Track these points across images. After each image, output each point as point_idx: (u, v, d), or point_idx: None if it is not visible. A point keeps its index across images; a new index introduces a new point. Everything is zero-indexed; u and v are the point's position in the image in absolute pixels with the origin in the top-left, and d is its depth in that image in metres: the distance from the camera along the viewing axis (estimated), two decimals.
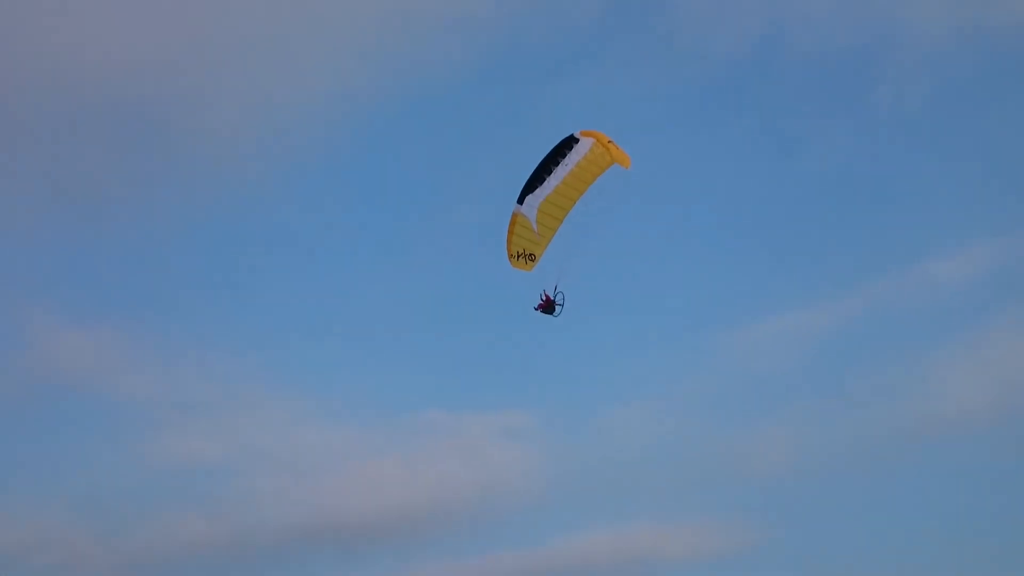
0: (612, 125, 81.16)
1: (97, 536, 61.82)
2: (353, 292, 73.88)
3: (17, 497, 62.75)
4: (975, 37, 78.03)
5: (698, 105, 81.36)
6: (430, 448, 67.98)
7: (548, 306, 39.24)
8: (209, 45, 74.79)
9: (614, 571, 62.80)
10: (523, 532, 64.08)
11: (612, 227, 79.11)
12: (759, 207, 78.31)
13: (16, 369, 67.00)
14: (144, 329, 70.28)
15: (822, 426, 67.04)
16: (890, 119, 78.61)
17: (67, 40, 71.68)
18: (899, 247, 73.79)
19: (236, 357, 69.97)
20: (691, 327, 72.26)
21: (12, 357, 67.43)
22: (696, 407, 69.55)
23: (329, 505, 64.72)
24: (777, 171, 78.97)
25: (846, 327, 70.73)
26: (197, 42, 74.16)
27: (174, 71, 74.02)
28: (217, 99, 76.35)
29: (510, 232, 38.84)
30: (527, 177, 38.35)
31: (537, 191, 38.42)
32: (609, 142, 37.53)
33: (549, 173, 38.28)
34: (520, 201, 38.64)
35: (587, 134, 37.68)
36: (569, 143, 37.93)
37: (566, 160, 37.99)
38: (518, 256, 38.93)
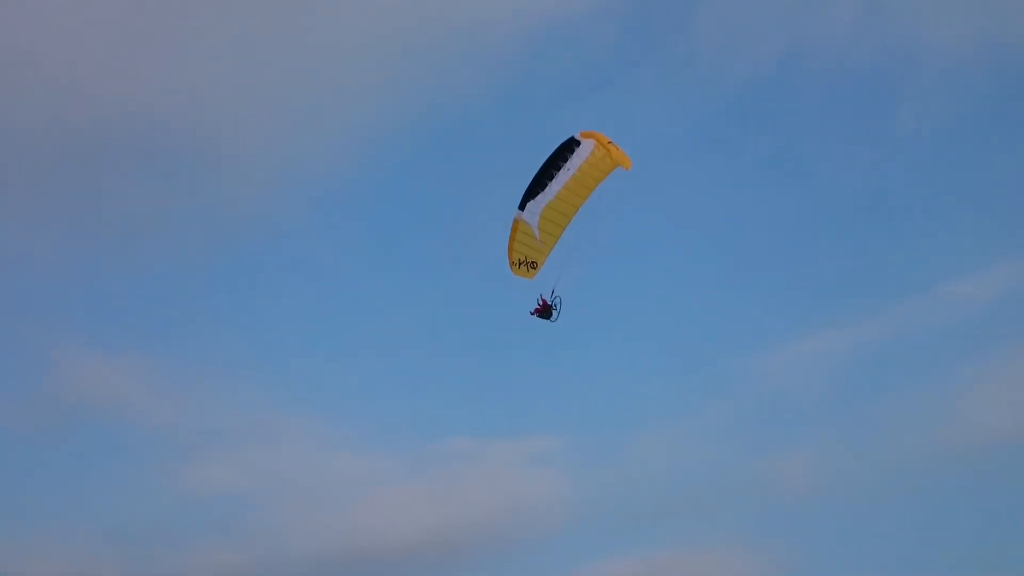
0: (633, 148, 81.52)
1: (124, 564, 62.03)
2: (377, 320, 74.17)
3: (44, 525, 63.07)
4: (997, 55, 77.61)
5: (718, 127, 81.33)
6: (457, 475, 67.87)
7: (545, 310, 38.62)
8: (234, 83, 75.92)
9: None
10: (550, 558, 63.66)
11: (634, 251, 79.72)
12: (780, 229, 77.92)
13: (44, 397, 67.65)
14: (171, 358, 70.80)
15: (846, 450, 66.26)
16: (911, 139, 78.19)
17: (98, 79, 73.11)
18: (921, 268, 73.11)
19: (262, 385, 70.30)
20: (714, 351, 71.83)
21: (41, 385, 68.13)
22: (721, 432, 68.98)
23: (356, 533, 64.67)
24: (798, 192, 78.72)
25: (869, 350, 70.04)
26: (222, 80, 75.34)
27: (201, 108, 75.12)
28: (241, 133, 77.35)
29: (511, 239, 38.16)
30: (528, 182, 37.59)
31: (539, 197, 37.71)
32: (609, 142, 36.84)
33: (551, 178, 37.53)
34: (521, 207, 37.95)
35: (587, 135, 37.06)
36: (570, 146, 37.23)
37: (568, 164, 37.24)
38: (520, 264, 38.35)
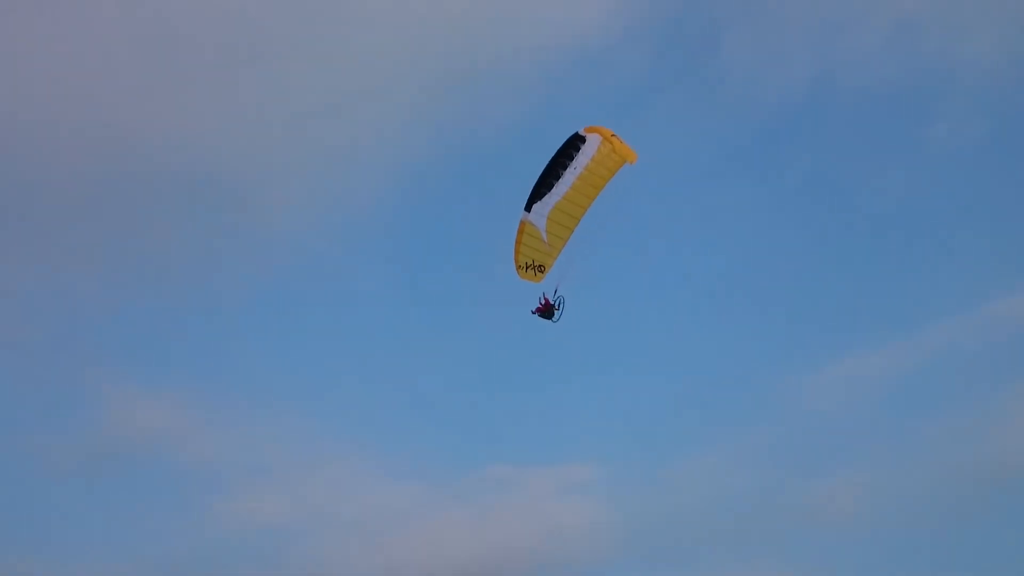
0: (666, 172, 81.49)
1: None
2: (415, 350, 74.27)
3: (90, 561, 63.58)
4: None
5: (751, 149, 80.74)
6: (496, 504, 67.44)
7: (547, 310, 37.83)
8: (268, 119, 76.93)
9: None
10: None
11: (670, 274, 79.36)
12: (816, 250, 77.03)
13: (89, 435, 68.40)
14: (213, 393, 71.29)
15: (890, 473, 64.76)
16: (947, 156, 77.21)
17: (136, 120, 74.50)
18: (963, 287, 71.67)
19: (303, 418, 70.52)
20: (753, 375, 70.94)
21: (85, 423, 68.91)
22: (762, 456, 67.94)
23: (397, 563, 64.39)
24: (833, 212, 77.84)
25: (911, 371, 68.59)
26: (256, 116, 76.44)
27: (236, 144, 76.23)
28: (276, 168, 78.25)
29: (517, 242, 37.31)
30: (534, 182, 36.76)
31: (546, 198, 36.76)
32: (612, 136, 35.86)
33: (557, 178, 36.58)
34: (527, 208, 37.04)
35: (592, 130, 36.11)
36: (575, 143, 36.24)
37: (574, 163, 36.29)
38: (526, 267, 37.42)
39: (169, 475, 67.98)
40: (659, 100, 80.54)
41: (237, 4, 76.61)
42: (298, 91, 77.59)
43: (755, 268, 76.84)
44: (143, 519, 65.45)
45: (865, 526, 63.02)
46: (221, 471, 68.04)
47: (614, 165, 36.28)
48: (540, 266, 37.56)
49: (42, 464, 66.24)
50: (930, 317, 70.78)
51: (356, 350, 74.87)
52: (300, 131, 77.90)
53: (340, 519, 66.61)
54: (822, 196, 78.91)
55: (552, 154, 36.63)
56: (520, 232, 37.34)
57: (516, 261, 37.67)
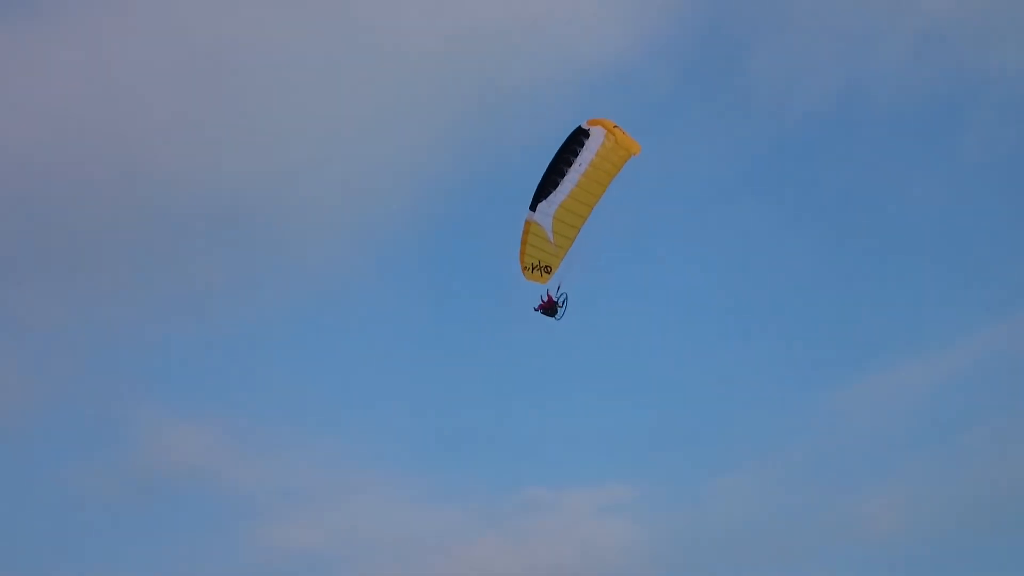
0: (695, 188, 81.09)
1: None
2: (448, 374, 74.15)
3: None
4: None
5: (779, 163, 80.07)
6: (533, 526, 66.98)
7: (550, 307, 37.14)
8: (299, 148, 77.57)
9: None
10: None
11: (702, 290, 78.63)
12: (848, 263, 76.11)
13: (130, 464, 68.95)
14: (250, 421, 71.56)
15: (934, 486, 63.54)
16: (977, 166, 76.05)
17: (170, 153, 75.42)
18: (1001, 295, 70.52)
19: (337, 444, 70.61)
20: (790, 389, 70.03)
21: (126, 452, 69.44)
22: (803, 472, 66.62)
23: None
24: (864, 225, 76.96)
25: (953, 381, 67.30)
26: (287, 145, 77.10)
27: (267, 173, 76.89)
28: (308, 196, 78.70)
29: (523, 242, 36.61)
30: (538, 180, 36.05)
31: (551, 197, 35.98)
32: (615, 127, 35.17)
33: (562, 175, 35.77)
34: (532, 208, 36.31)
35: (595, 123, 35.39)
36: (579, 137, 35.44)
37: (579, 159, 35.49)
38: (532, 268, 36.72)
39: (208, 502, 68.21)
40: (686, 117, 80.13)
41: (266, 37, 77.54)
42: (326, 119, 78.22)
43: (785, 282, 75.96)
44: (182, 545, 65.64)
45: (905, 542, 61.73)
46: (259, 497, 68.21)
47: (619, 160, 35.63)
48: (547, 267, 36.97)
49: (83, 492, 66.67)
50: (965, 328, 69.57)
51: (389, 375, 74.87)
52: (329, 159, 78.46)
53: (376, 544, 66.37)
54: (852, 208, 78.04)
55: (556, 150, 36.00)
56: (525, 232, 36.76)
57: (522, 262, 37.08)
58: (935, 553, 60.72)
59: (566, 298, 37.29)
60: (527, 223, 36.73)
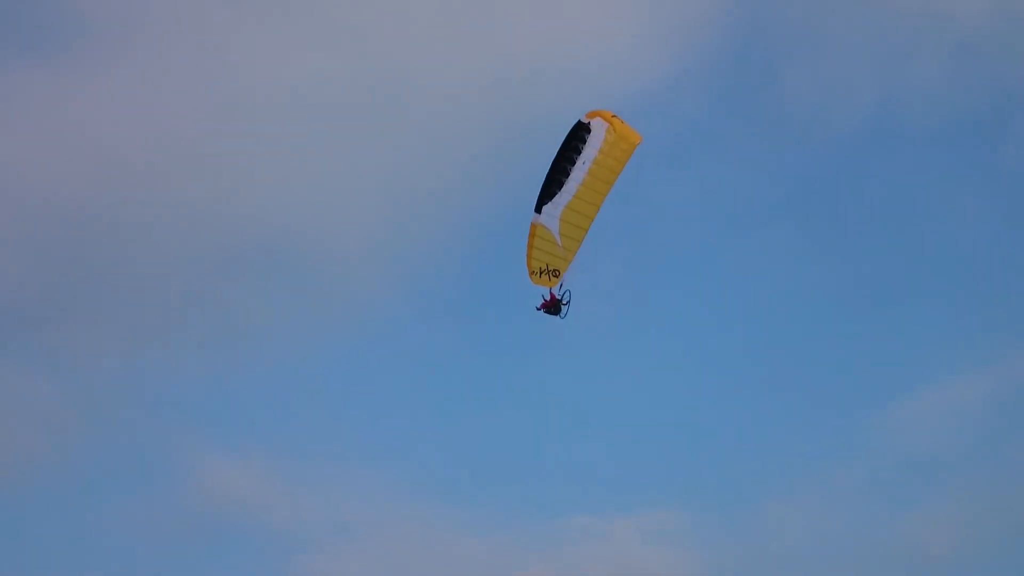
0: (733, 210, 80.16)
1: None
2: (491, 406, 73.81)
3: None
4: None
5: (818, 183, 79.10)
6: (582, 555, 66.19)
7: (553, 305, 36.01)
8: (332, 188, 78.15)
9: None
10: None
11: (749, 310, 77.44)
12: (897, 277, 74.69)
13: (174, 500, 69.27)
14: (296, 455, 71.71)
15: (990, 503, 61.87)
16: (1018, 178, 74.62)
17: (212, 192, 76.40)
18: None
19: (385, 476, 70.48)
20: (842, 407, 68.60)
21: (170, 488, 69.80)
22: (856, 493, 65.29)
23: None
24: (907, 241, 75.64)
25: (1011, 395, 65.78)
26: (321, 186, 77.71)
27: (303, 212, 77.40)
28: (343, 234, 79.09)
29: (529, 246, 35.50)
30: (542, 182, 34.99)
31: (556, 198, 34.96)
32: (613, 117, 34.11)
33: (566, 175, 34.72)
34: (537, 210, 35.27)
35: (594, 115, 34.35)
36: (580, 133, 34.37)
37: (582, 156, 34.43)
38: (540, 273, 35.66)
39: (255, 537, 68.29)
40: (720, 139, 79.67)
41: (306, 77, 78.42)
42: (366, 158, 78.73)
43: (827, 300, 74.87)
44: None
45: (965, 560, 60.12)
46: (306, 531, 68.16)
47: (622, 154, 34.55)
48: (555, 271, 35.97)
49: (131, 530, 67.07)
50: (1011, 343, 67.89)
51: (432, 407, 74.72)
52: (368, 197, 78.92)
53: (426, 574, 66.07)
54: (891, 225, 76.97)
55: (558, 148, 35.02)
56: (531, 236, 35.79)
57: (529, 267, 36.07)
58: (995, 570, 59.13)
59: (569, 295, 36.27)
60: (533, 226, 35.84)
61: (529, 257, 36.18)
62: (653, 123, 77.31)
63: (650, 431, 70.25)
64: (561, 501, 67.76)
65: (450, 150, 78.24)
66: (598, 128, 34.50)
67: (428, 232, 78.18)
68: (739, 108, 79.97)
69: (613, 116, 34.38)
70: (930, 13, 78.19)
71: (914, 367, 69.32)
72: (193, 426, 72.84)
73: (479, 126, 78.50)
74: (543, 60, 75.96)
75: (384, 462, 71.89)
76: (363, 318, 76.64)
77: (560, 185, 35.24)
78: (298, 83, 78.26)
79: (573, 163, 35.00)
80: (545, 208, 35.63)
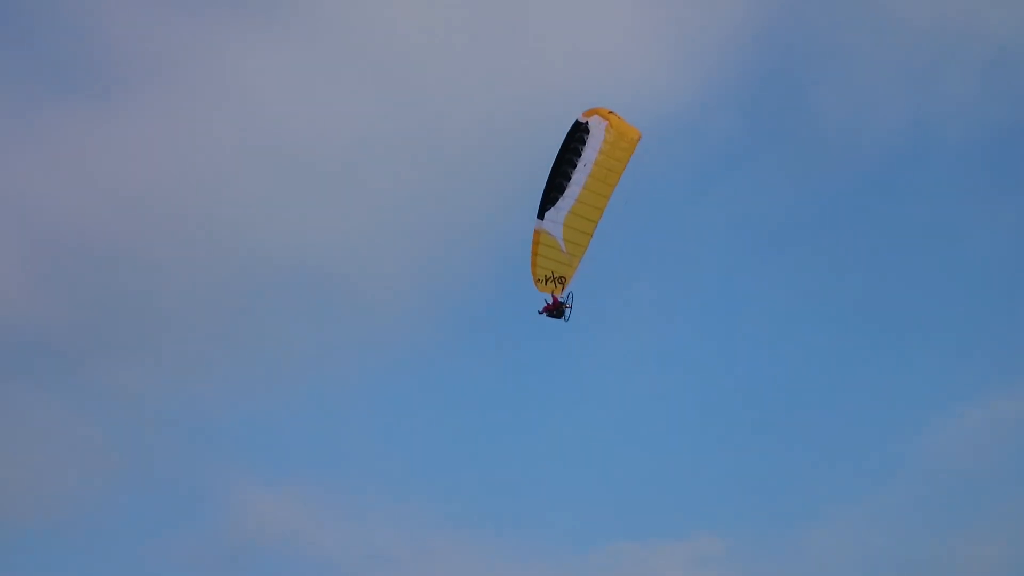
0: (770, 230, 79.38)
1: None
2: (527, 429, 73.39)
3: None
4: None
5: (854, 203, 78.20)
6: None
7: (555, 308, 35.15)
8: (367, 222, 78.60)
9: None
10: None
11: (783, 334, 76.44)
12: (936, 295, 73.48)
13: (215, 532, 69.57)
14: (334, 485, 71.76)
15: None
16: None
17: (244, 224, 77.13)
18: None
19: (421, 504, 70.26)
20: (880, 429, 67.39)
21: (211, 521, 70.10)
22: (898, 514, 63.94)
23: None
24: (949, 257, 74.42)
25: None
26: (355, 219, 78.18)
27: (343, 241, 77.92)
28: (378, 266, 79.40)
29: (533, 254, 34.75)
30: (543, 187, 34.24)
31: (559, 204, 34.17)
32: (610, 113, 33.33)
33: (567, 179, 33.89)
34: (540, 216, 34.49)
35: (591, 113, 33.59)
36: (578, 134, 33.58)
37: (583, 158, 33.63)
38: (546, 280, 34.92)
39: (295, 568, 68.37)
40: (753, 162, 79.03)
41: (334, 112, 79.19)
42: (397, 188, 79.08)
43: (866, 319, 73.74)
44: None
45: None
46: (346, 562, 68.12)
47: (623, 153, 33.80)
48: (560, 278, 35.22)
49: (172, 563, 67.37)
50: None
51: (469, 435, 74.46)
52: (400, 228, 79.22)
53: None
54: (928, 241, 75.88)
55: (557, 151, 34.18)
56: (535, 243, 35.02)
57: (534, 275, 35.35)
58: None
59: (571, 297, 35.51)
60: (536, 233, 35.12)
61: (534, 265, 35.51)
62: (683, 145, 77.38)
63: (689, 455, 69.49)
64: (600, 527, 67.18)
65: (480, 178, 78.46)
66: (596, 127, 33.79)
67: (459, 260, 78.31)
68: (769, 128, 79.43)
69: (610, 112, 33.67)
70: (959, 29, 77.50)
71: (953, 385, 68.12)
72: (232, 458, 73.11)
73: (508, 153, 78.64)
74: (572, 86, 75.92)
75: (421, 491, 71.62)
76: (396, 347, 76.69)
77: (562, 189, 34.52)
78: (326, 118, 79.06)
79: (574, 166, 34.27)
80: (548, 214, 34.93)
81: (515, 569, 66.73)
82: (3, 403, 68.61)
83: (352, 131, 78.94)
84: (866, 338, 73.42)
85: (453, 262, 78.61)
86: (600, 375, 72.33)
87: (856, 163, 78.08)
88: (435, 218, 78.36)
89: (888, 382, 70.49)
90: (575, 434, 72.49)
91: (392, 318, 77.29)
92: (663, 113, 77.46)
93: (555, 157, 34.38)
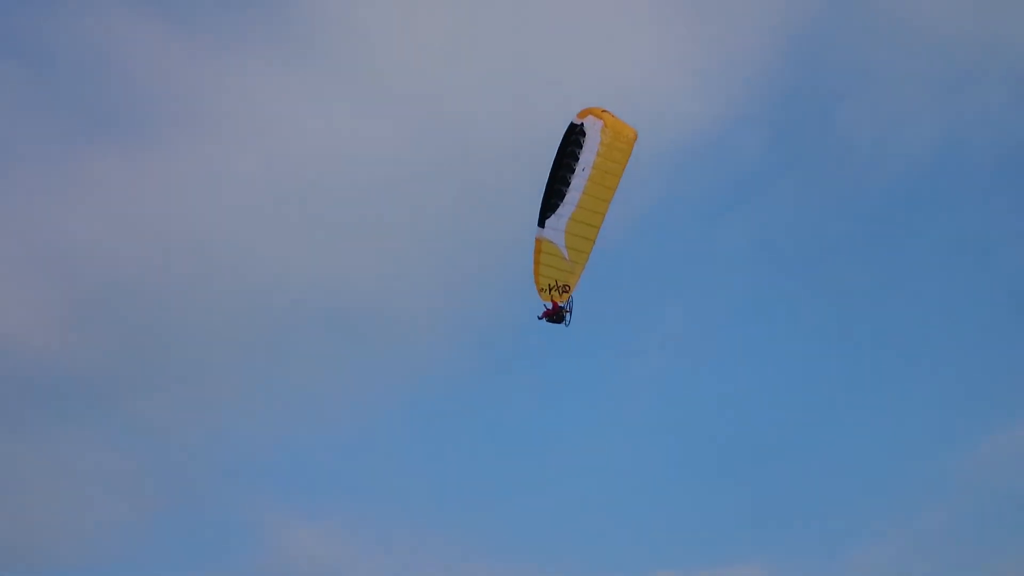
0: (802, 248, 78.15)
1: None
2: (567, 459, 72.59)
3: None
4: None
5: (884, 220, 76.92)
6: None
7: (555, 313, 34.29)
8: (400, 252, 78.75)
9: None
10: None
11: (822, 348, 75.03)
12: (971, 312, 71.92)
13: (252, 564, 69.57)
14: (368, 516, 71.54)
15: None
16: None
17: (281, 265, 77.62)
18: None
19: (461, 536, 69.77)
20: (925, 447, 65.83)
21: (247, 553, 70.07)
22: (938, 539, 62.39)
23: None
24: (980, 276, 72.89)
25: None
26: (390, 250, 78.40)
27: (375, 278, 78.09)
28: (409, 297, 79.54)
29: (536, 262, 33.99)
30: (543, 193, 33.57)
31: (559, 210, 33.46)
32: (604, 112, 32.71)
33: (566, 184, 33.20)
34: (540, 224, 33.74)
35: (585, 114, 32.94)
36: (575, 137, 32.90)
37: (581, 162, 32.95)
38: (550, 290, 34.05)
39: None
40: (783, 180, 78.12)
41: (365, 152, 79.74)
42: (425, 220, 79.23)
43: (906, 340, 72.34)
44: None
45: None
46: None
47: (621, 155, 33.18)
48: (564, 286, 34.39)
49: None
50: None
51: (506, 465, 73.86)
52: (428, 259, 79.30)
53: None
54: (968, 255, 74.45)
55: (554, 156, 33.49)
56: (537, 252, 34.28)
57: (537, 283, 34.53)
58: None
59: (572, 303, 34.69)
60: (537, 241, 34.38)
61: (536, 274, 34.77)
62: (712, 167, 76.75)
63: (731, 481, 68.34)
64: (643, 556, 66.28)
65: (503, 204, 78.31)
66: (592, 128, 33.19)
67: (488, 285, 78.07)
68: (797, 149, 78.64)
69: (604, 111, 33.07)
70: (986, 42, 76.47)
71: (1004, 403, 66.49)
72: (267, 492, 73.09)
73: (532, 180, 78.47)
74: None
75: (461, 522, 71.16)
76: (428, 377, 76.47)
77: (561, 196, 33.84)
78: (352, 155, 79.47)
79: (572, 170, 33.61)
80: (548, 221, 34.22)
81: None
82: (42, 440, 69.15)
83: (377, 166, 79.24)
84: (907, 356, 72.09)
85: (481, 288, 78.39)
86: (638, 400, 71.49)
87: (886, 179, 77.09)
88: (461, 244, 78.31)
89: (938, 399, 69.10)
90: (614, 462, 71.65)
91: (420, 349, 77.14)
92: (692, 135, 77.06)
93: (552, 161, 33.73)
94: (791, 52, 79.39)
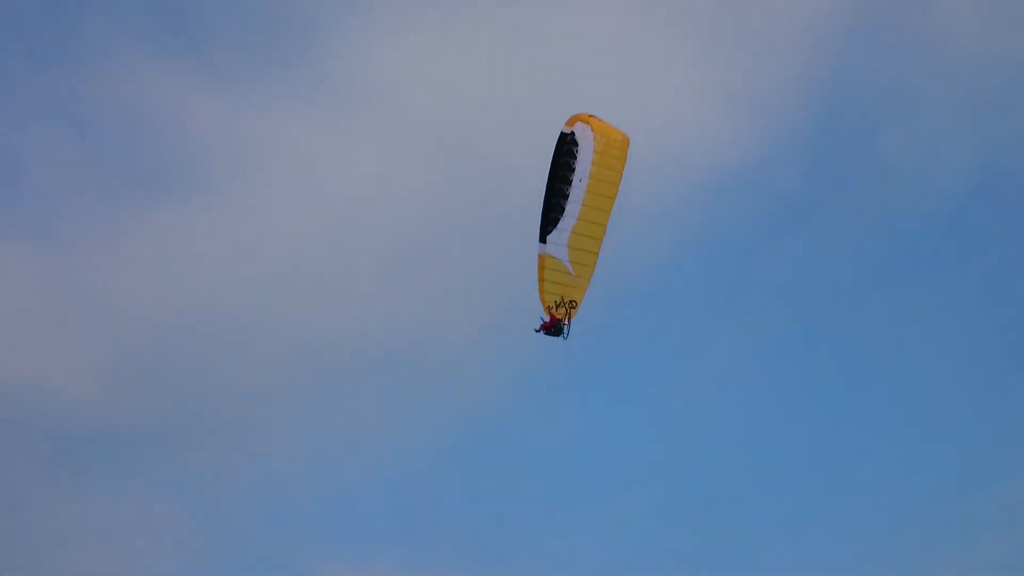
0: (842, 278, 76.78)
1: None
2: (612, 493, 71.92)
3: None
4: None
5: (927, 247, 75.59)
6: None
7: (554, 326, 33.66)
8: (440, 293, 79.19)
9: None
10: None
11: (870, 375, 73.46)
12: (1014, 345, 70.24)
13: None
14: (414, 555, 71.60)
15: None
16: None
17: (321, 312, 78.33)
18: None
19: (508, 571, 69.53)
20: (980, 476, 64.37)
21: None
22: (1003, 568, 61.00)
23: None
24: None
25: None
26: (428, 292, 78.84)
27: (411, 319, 78.49)
28: (451, 336, 79.82)
29: (540, 279, 33.42)
30: (541, 209, 33.08)
31: (560, 224, 32.96)
32: (590, 117, 32.30)
33: (564, 197, 32.73)
34: (542, 240, 33.22)
35: (573, 121, 32.52)
36: (567, 147, 32.49)
37: (577, 172, 32.54)
38: (556, 307, 33.51)
39: None
40: (822, 210, 77.22)
41: (399, 198, 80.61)
42: (458, 258, 79.59)
43: (951, 371, 70.89)
44: None
45: None
46: None
47: (616, 162, 32.77)
48: (571, 302, 33.84)
49: None
50: None
51: (545, 498, 73.45)
52: (464, 295, 79.64)
53: None
54: (1010, 285, 73.00)
55: (548, 169, 33.11)
56: (541, 268, 33.71)
57: (543, 302, 33.95)
58: None
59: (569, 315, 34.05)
60: (540, 258, 33.80)
61: (541, 291, 34.16)
62: (749, 198, 76.04)
63: (781, 510, 67.18)
64: None
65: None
66: (583, 135, 32.71)
67: (524, 320, 78.11)
68: (836, 177, 77.77)
69: (591, 116, 32.67)
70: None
71: None
72: (319, 541, 73.25)
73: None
74: (634, 144, 75.68)
75: (510, 559, 70.86)
76: (473, 413, 76.43)
77: (561, 209, 33.33)
78: (390, 203, 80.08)
79: (569, 182, 33.12)
80: (550, 236, 33.67)
81: None
82: (91, 493, 69.88)
83: (415, 210, 79.88)
84: (959, 381, 70.62)
85: (516, 323, 78.39)
86: (682, 436, 70.63)
87: (929, 205, 76.04)
88: (498, 281, 78.39)
89: (992, 426, 67.52)
90: (659, 494, 70.87)
91: (459, 386, 77.16)
92: (729, 167, 76.52)
93: (548, 176, 33.28)
94: (828, 80, 78.88)
